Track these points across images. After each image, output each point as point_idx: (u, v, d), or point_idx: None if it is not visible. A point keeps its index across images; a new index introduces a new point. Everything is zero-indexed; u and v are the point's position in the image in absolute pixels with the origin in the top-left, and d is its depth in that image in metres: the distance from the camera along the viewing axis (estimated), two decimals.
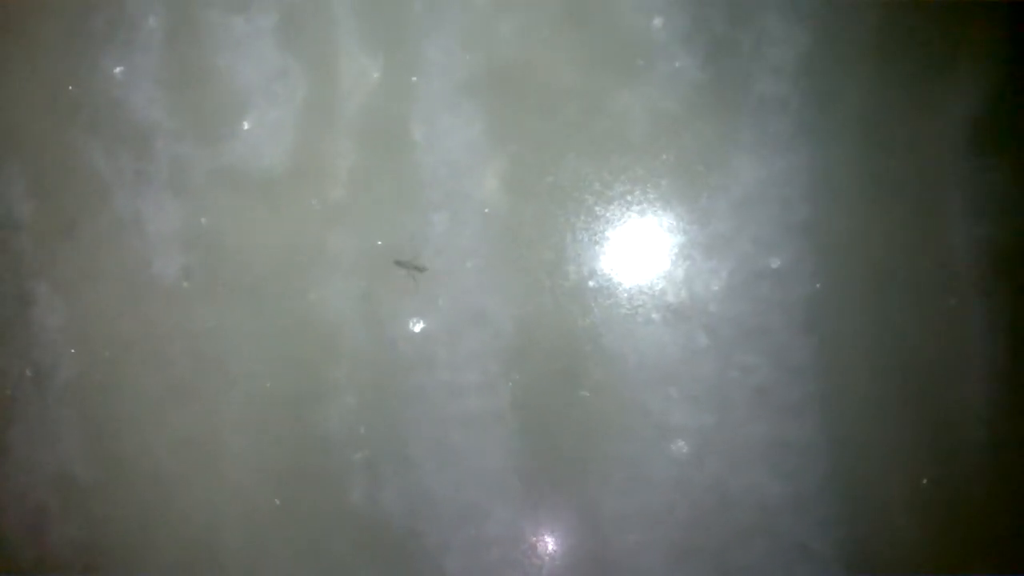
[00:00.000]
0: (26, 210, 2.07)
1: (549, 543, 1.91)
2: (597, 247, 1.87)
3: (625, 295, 1.87)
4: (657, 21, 1.85)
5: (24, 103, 2.07)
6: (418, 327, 1.93)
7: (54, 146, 2.05)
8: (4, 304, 2.08)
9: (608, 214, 1.87)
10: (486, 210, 1.90)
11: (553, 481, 1.91)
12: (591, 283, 1.87)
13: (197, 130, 2.00)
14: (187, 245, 1.99)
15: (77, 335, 2.06)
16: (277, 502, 1.97)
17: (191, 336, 2.00)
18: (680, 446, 1.83)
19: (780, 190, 1.82)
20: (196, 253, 1.99)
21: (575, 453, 1.89)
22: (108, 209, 2.03)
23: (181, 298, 1.99)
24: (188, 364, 2.00)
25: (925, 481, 1.83)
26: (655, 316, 1.86)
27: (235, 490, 1.99)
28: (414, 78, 1.92)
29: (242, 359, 1.98)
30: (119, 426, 2.05)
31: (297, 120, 1.96)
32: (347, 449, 1.95)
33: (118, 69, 2.03)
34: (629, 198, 1.86)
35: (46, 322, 2.07)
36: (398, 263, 1.88)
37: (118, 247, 2.02)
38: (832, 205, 1.83)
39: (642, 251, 1.87)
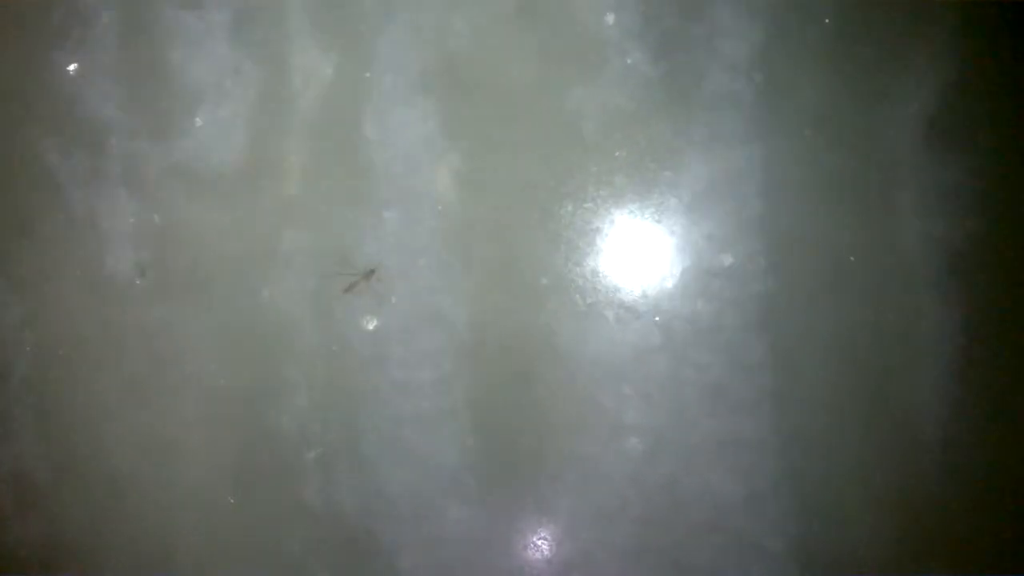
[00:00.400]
0: None
1: (503, 541, 1.90)
2: (550, 245, 1.86)
3: (578, 293, 1.86)
4: (609, 17, 1.84)
5: None
6: (371, 325, 1.92)
7: (7, 144, 2.04)
8: None
9: (561, 212, 1.86)
10: (439, 207, 1.89)
11: (507, 479, 1.90)
12: (544, 281, 1.86)
13: (151, 127, 1.99)
14: (140, 242, 1.98)
15: (33, 333, 2.04)
16: (231, 500, 1.96)
17: (145, 333, 1.99)
18: (634, 444, 1.83)
19: (733, 187, 1.81)
20: (149, 250, 1.98)
21: (529, 451, 1.88)
22: (62, 207, 2.01)
23: (135, 295, 1.98)
24: (142, 361, 1.99)
25: (879, 479, 1.82)
26: (608, 314, 1.85)
27: (189, 488, 1.98)
28: (367, 74, 1.91)
29: (196, 356, 1.97)
30: (74, 424, 2.04)
31: (250, 117, 1.95)
32: (301, 447, 1.94)
33: (72, 66, 2.01)
34: (582, 195, 1.85)
35: (1, 320, 2.05)
36: (349, 289, 1.86)
37: (72, 245, 2.01)
38: (786, 202, 1.82)
39: (595, 249, 1.86)
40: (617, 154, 1.84)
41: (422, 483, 1.92)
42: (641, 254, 1.83)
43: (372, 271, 1.87)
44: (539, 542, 1.89)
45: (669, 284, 1.82)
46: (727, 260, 1.81)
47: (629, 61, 1.83)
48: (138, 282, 1.98)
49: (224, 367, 1.97)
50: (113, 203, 1.99)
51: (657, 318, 1.82)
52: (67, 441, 2.05)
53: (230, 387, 1.96)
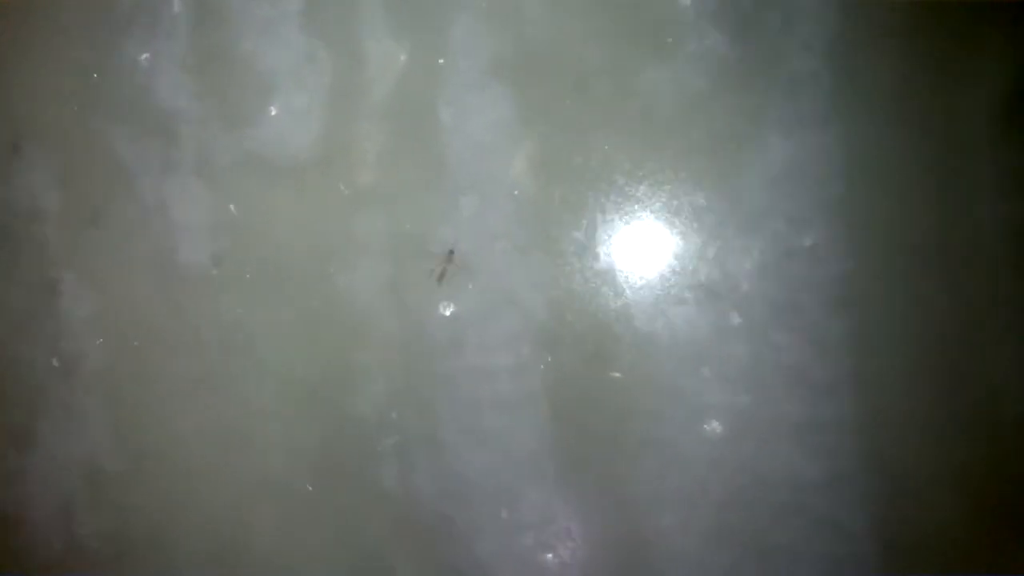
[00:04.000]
0: (51, 200, 2.06)
1: (582, 526, 1.90)
2: (628, 228, 1.86)
3: (657, 275, 1.86)
4: None
5: (47, 92, 2.06)
6: (448, 311, 1.92)
7: (78, 135, 2.05)
8: (30, 295, 2.08)
9: (638, 194, 1.86)
10: (515, 192, 1.89)
11: (586, 463, 1.90)
12: (622, 264, 1.86)
13: (223, 116, 1.99)
14: (215, 232, 1.98)
15: (104, 325, 2.05)
16: (309, 488, 1.97)
17: (220, 324, 1.99)
18: (714, 426, 1.83)
19: (812, 168, 1.81)
20: (224, 240, 1.98)
21: (608, 435, 1.88)
22: (134, 197, 2.02)
23: (210, 286, 1.99)
24: (217, 352, 2.00)
25: (959, 458, 1.81)
26: (687, 296, 1.85)
27: (266, 478, 1.99)
28: (441, 60, 1.91)
29: (271, 346, 1.98)
30: (148, 416, 2.04)
31: (324, 105, 1.95)
32: (378, 434, 1.94)
33: (143, 56, 2.02)
34: (659, 177, 1.85)
35: (73, 312, 2.07)
36: (440, 279, 1.87)
37: (145, 235, 2.02)
38: (864, 182, 1.82)
39: (673, 231, 1.86)
40: (694, 135, 1.84)
41: (500, 468, 1.92)
42: (719, 235, 1.83)
43: (451, 251, 1.88)
44: (618, 526, 1.89)
45: (748, 265, 1.82)
46: (807, 241, 1.80)
47: (706, 42, 1.83)
48: (213, 272, 1.99)
49: (300, 356, 1.97)
50: (186, 193, 2.00)
51: (736, 299, 1.82)
52: (140, 433, 2.05)
53: (307, 376, 1.97)
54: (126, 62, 2.03)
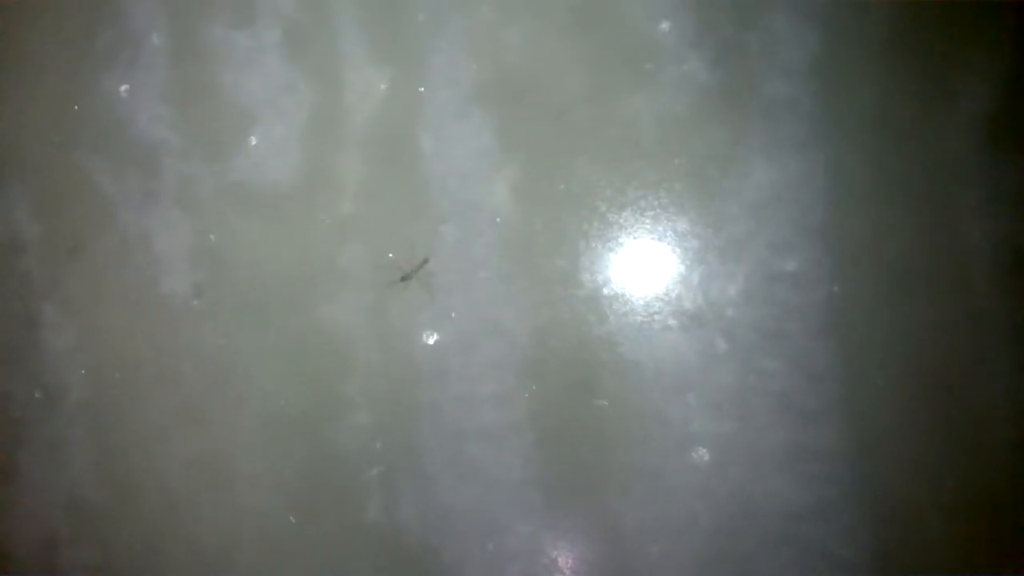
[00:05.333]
0: (31, 231, 2.05)
1: (570, 556, 1.88)
2: (611, 254, 1.85)
3: (641, 302, 1.84)
4: (664, 25, 1.83)
5: (27, 124, 2.06)
6: (431, 340, 1.90)
7: (58, 166, 2.04)
8: (12, 327, 2.06)
9: (621, 220, 1.85)
10: (497, 219, 1.88)
11: (573, 493, 1.88)
12: (606, 291, 1.85)
13: (204, 147, 1.98)
14: (196, 263, 1.97)
15: (86, 356, 2.04)
16: (292, 520, 1.94)
17: (202, 355, 1.97)
18: (701, 454, 1.81)
19: (794, 192, 1.80)
20: (205, 271, 1.97)
21: (594, 464, 1.86)
22: (115, 229, 2.01)
23: (191, 316, 1.97)
24: (199, 383, 1.98)
25: (950, 484, 1.79)
26: (672, 323, 1.83)
27: (249, 510, 1.96)
28: (421, 88, 1.90)
29: (253, 377, 1.96)
30: (130, 447, 2.02)
31: (304, 134, 1.95)
32: (362, 465, 1.92)
33: (123, 88, 2.01)
34: (642, 203, 1.84)
35: (54, 344, 2.05)
36: (404, 278, 1.86)
37: (126, 267, 2.01)
38: (847, 206, 1.81)
39: (657, 257, 1.84)
40: (676, 162, 1.83)
41: (486, 499, 1.89)
42: (703, 261, 1.82)
43: (425, 260, 1.86)
44: (606, 557, 1.86)
45: (732, 291, 1.80)
46: (790, 266, 1.79)
47: (685, 68, 1.82)
48: (194, 303, 1.97)
49: (282, 386, 1.95)
50: (167, 224, 1.99)
51: (721, 326, 1.80)
52: (123, 465, 2.03)
53: (289, 406, 1.95)
54: (106, 94, 2.02)
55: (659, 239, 1.84)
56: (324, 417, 1.93)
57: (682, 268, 1.83)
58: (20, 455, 2.04)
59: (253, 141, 1.94)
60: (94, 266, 2.00)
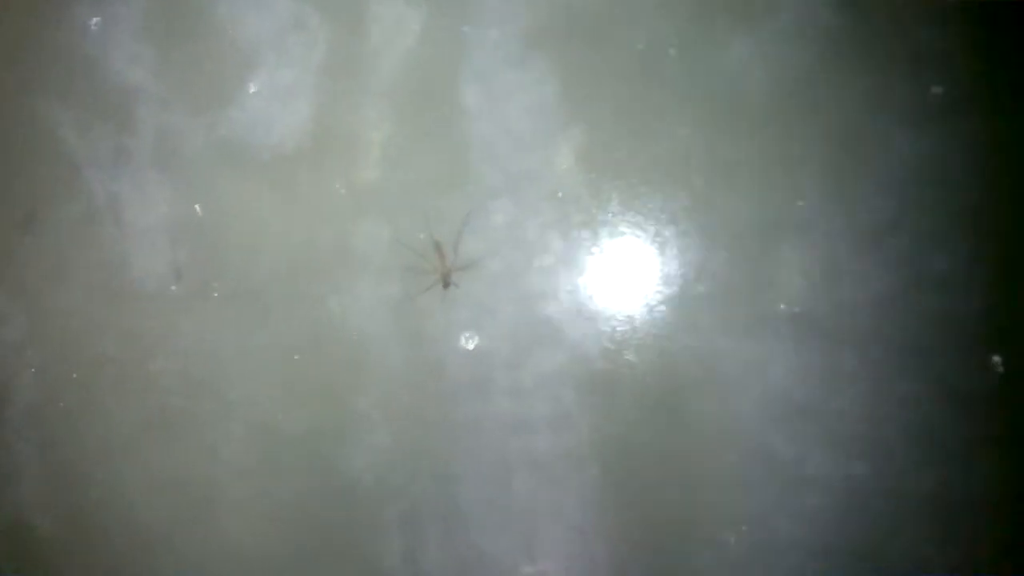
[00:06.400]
0: None
1: None
2: (708, 240, 1.45)
3: (745, 303, 1.44)
4: None
5: None
6: (471, 344, 1.50)
7: (11, 117, 1.64)
8: None
9: (720, 198, 1.44)
10: (559, 194, 1.47)
11: (646, 544, 1.47)
12: (700, 287, 1.45)
13: (191, 96, 1.60)
14: (176, 239, 1.57)
15: (37, 352, 1.64)
16: (288, 563, 1.54)
17: (181, 353, 1.58)
18: (820, 502, 1.40)
19: (947, 169, 1.39)
20: (188, 249, 1.57)
21: (675, 507, 1.45)
22: (77, 195, 1.62)
23: (168, 305, 1.58)
24: (177, 388, 1.59)
25: None
26: (785, 331, 1.43)
27: (235, 548, 1.56)
28: (465, 28, 1.50)
29: (245, 383, 1.56)
30: (89, 465, 1.64)
31: (316, 82, 1.55)
32: (379, 500, 1.53)
33: (93, 20, 1.61)
34: (747, 178, 1.44)
35: None
36: (445, 283, 1.46)
37: (90, 242, 1.61)
38: (1014, 187, 1.39)
39: (767, 245, 1.44)
40: (793, 126, 1.43)
41: (533, 547, 1.49)
42: (829, 253, 1.41)
43: (454, 245, 1.47)
44: None
45: (865, 293, 1.40)
46: (939, 263, 1.38)
47: (807, 10, 1.41)
48: (173, 288, 1.58)
49: (281, 396, 1.56)
50: (143, 189, 1.60)
51: (850, 337, 1.39)
52: (80, 486, 1.63)
53: (288, 421, 1.56)
54: (73, 27, 1.62)
55: (770, 223, 1.43)
56: (331, 435, 1.54)
57: (800, 261, 1.42)
58: None
59: (252, 89, 1.55)
60: (50, 240, 1.61)
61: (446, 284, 1.48)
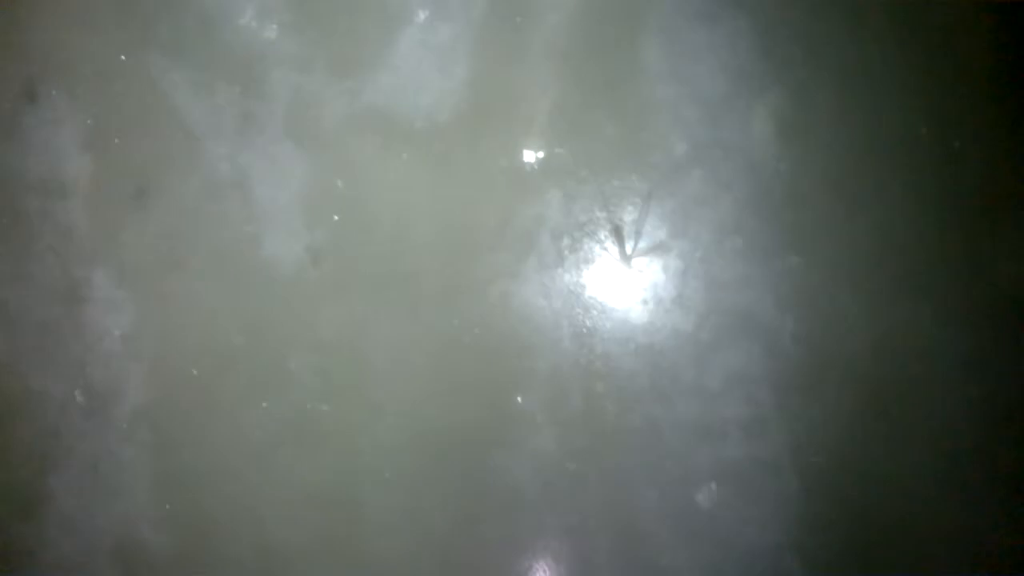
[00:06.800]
0: (78, 167, 1.47)
1: None
2: (929, 218, 1.27)
3: (964, 289, 1.26)
4: None
5: (79, 15, 1.46)
6: (651, 337, 1.32)
7: (121, 75, 1.46)
8: (47, 301, 1.47)
9: (942, 171, 1.26)
10: (756, 165, 1.29)
11: (855, 566, 1.29)
12: (913, 272, 1.27)
13: (330, 55, 1.41)
14: (315, 218, 1.39)
15: (150, 345, 1.45)
16: None
17: (319, 347, 1.40)
18: None
19: None
20: (327, 230, 1.39)
21: (892, 527, 1.27)
22: (198, 166, 1.43)
23: (305, 293, 1.40)
24: (315, 388, 1.40)
25: None
26: (1008, 322, 1.25)
27: (381, 567, 1.37)
28: None
29: (394, 382, 1.38)
30: (212, 475, 1.45)
31: (476, 39, 1.37)
32: (544, 512, 1.35)
33: None
34: (968, 140, 1.26)
35: (105, 326, 1.47)
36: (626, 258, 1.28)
37: (212, 221, 1.42)
38: None
39: (988, 225, 1.27)
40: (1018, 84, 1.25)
41: (724, 570, 1.31)
42: None
43: (645, 204, 1.29)
44: None
45: None
46: None
47: None
48: (310, 273, 1.38)
49: (435, 396, 1.38)
50: (274, 162, 1.41)
51: None
52: (201, 499, 1.45)
53: (443, 425, 1.37)
54: None
55: (994, 202, 1.26)
56: (491, 440, 1.36)
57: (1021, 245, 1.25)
58: (52, 481, 1.45)
59: (401, 50, 1.36)
60: (166, 218, 1.42)
61: (626, 272, 1.30)
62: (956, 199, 1.29)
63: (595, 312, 1.35)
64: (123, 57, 1.44)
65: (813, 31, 1.31)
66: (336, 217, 1.39)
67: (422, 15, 1.39)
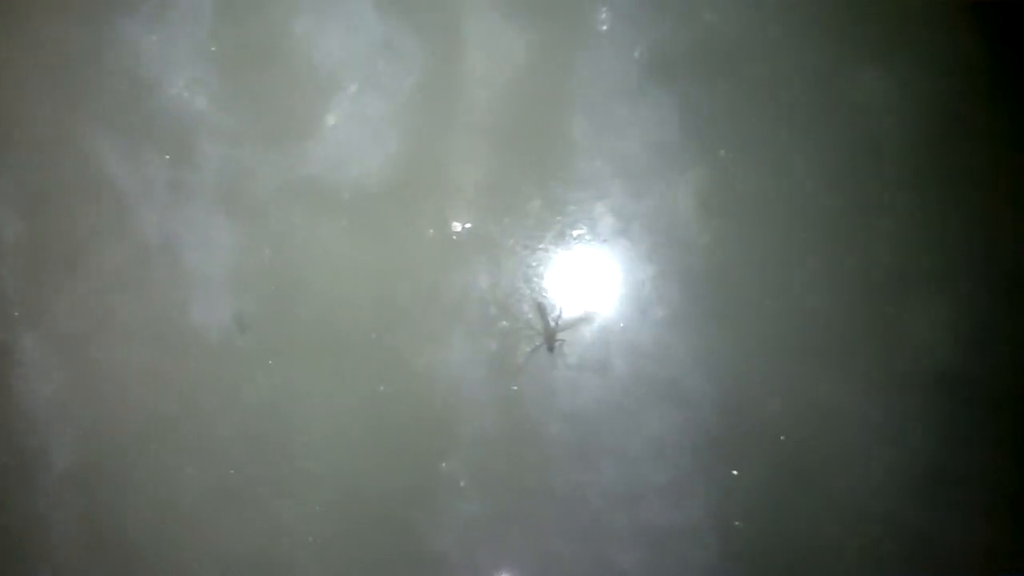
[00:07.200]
0: (12, 233, 1.46)
1: None
2: (841, 292, 1.31)
3: (882, 359, 1.32)
4: None
5: (16, 86, 1.47)
6: (575, 404, 1.35)
7: (56, 145, 1.46)
8: None
9: (855, 246, 1.31)
10: (681, 237, 1.33)
11: None
12: (834, 342, 1.31)
13: (261, 126, 1.43)
14: (243, 285, 1.40)
15: (80, 410, 1.45)
16: None
17: (247, 414, 1.40)
18: None
19: None
20: (256, 297, 1.40)
21: None
22: (129, 234, 1.43)
23: (233, 360, 1.40)
24: (242, 453, 1.41)
25: None
26: (925, 392, 1.29)
27: None
28: (579, 54, 1.36)
29: (321, 448, 1.39)
30: (140, 540, 1.45)
31: (406, 112, 1.39)
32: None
33: (150, 38, 1.44)
34: (882, 223, 1.31)
35: (35, 391, 1.45)
36: (549, 345, 1.31)
37: (142, 287, 1.43)
38: None
39: (906, 298, 1.31)
40: (924, 161, 1.30)
41: None
42: (978, 301, 1.28)
43: (556, 315, 1.32)
44: None
45: (1018, 352, 1.27)
46: None
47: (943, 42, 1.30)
48: (238, 341, 1.39)
49: (362, 462, 1.39)
50: (203, 230, 1.42)
51: None
52: (129, 565, 1.44)
53: (368, 489, 1.38)
54: (126, 46, 1.45)
55: (908, 273, 1.31)
56: (418, 508, 1.37)
57: (943, 317, 1.29)
58: None
59: (332, 121, 1.38)
60: (97, 284, 1.42)
61: (551, 347, 1.32)
62: (873, 272, 1.34)
63: (520, 379, 1.37)
64: (55, 124, 1.45)
65: (736, 109, 1.35)
66: (264, 286, 1.40)
67: (353, 87, 1.41)
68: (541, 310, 1.33)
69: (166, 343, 1.43)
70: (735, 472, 1.34)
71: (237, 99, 1.43)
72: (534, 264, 1.38)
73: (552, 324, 1.33)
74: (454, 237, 1.38)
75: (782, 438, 1.33)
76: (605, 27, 1.36)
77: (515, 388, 1.37)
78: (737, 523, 1.33)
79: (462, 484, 1.39)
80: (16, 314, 1.47)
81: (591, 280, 1.37)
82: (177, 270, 1.43)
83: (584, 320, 1.35)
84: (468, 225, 1.38)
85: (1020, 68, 1.33)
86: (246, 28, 1.43)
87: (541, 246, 1.38)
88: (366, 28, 1.41)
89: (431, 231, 1.39)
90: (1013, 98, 1.33)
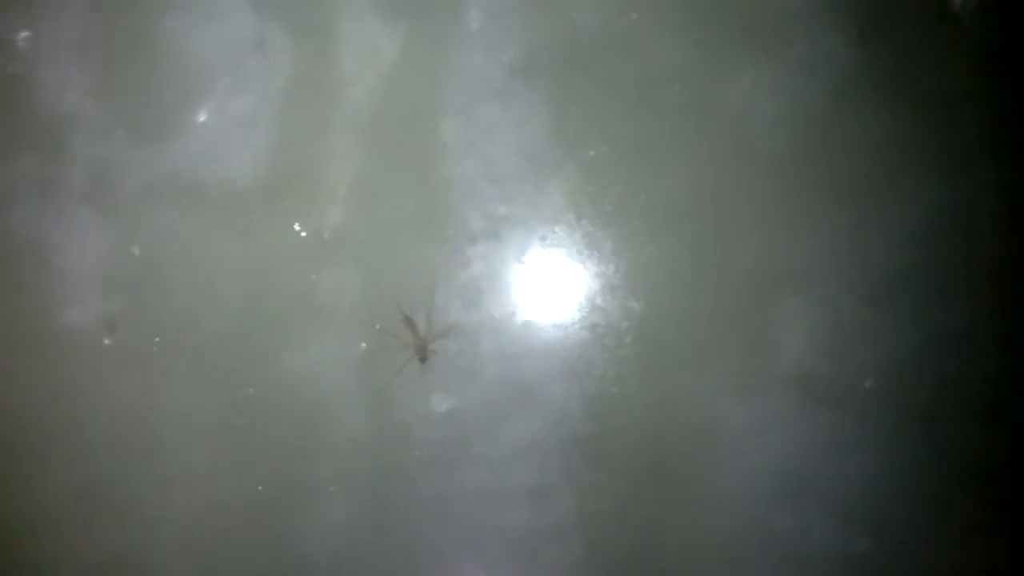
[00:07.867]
0: None
1: None
2: (702, 293, 1.32)
3: (745, 362, 1.31)
4: None
5: None
6: (443, 407, 1.35)
7: None
8: None
9: (721, 247, 1.32)
10: (546, 240, 1.33)
11: None
12: (696, 345, 1.31)
13: (131, 123, 1.40)
14: (111, 286, 1.38)
15: None
16: None
17: (114, 417, 1.38)
18: None
19: (967, 220, 1.29)
20: (124, 298, 1.38)
21: None
22: None
23: (100, 361, 1.38)
24: (108, 457, 1.39)
25: None
26: (786, 395, 1.30)
27: None
28: (448, 54, 1.36)
29: (188, 450, 1.37)
30: (6, 542, 1.40)
31: (277, 111, 1.38)
32: None
33: (21, 35, 1.42)
34: (753, 225, 1.32)
35: None
36: (422, 357, 1.30)
37: (8, 287, 1.40)
38: None
39: (769, 301, 1.31)
40: (805, 169, 1.32)
41: None
42: (838, 308, 1.30)
43: (426, 319, 1.32)
44: None
45: (878, 355, 1.28)
46: (954, 321, 1.28)
47: (824, 41, 1.31)
48: (106, 342, 1.38)
49: (228, 465, 1.37)
50: (71, 229, 1.40)
51: (858, 402, 1.27)
52: None
53: (235, 495, 1.37)
54: None
55: (774, 277, 1.32)
56: (285, 512, 1.36)
57: (805, 321, 1.30)
58: None
59: (202, 117, 1.37)
60: None
61: (423, 358, 1.32)
62: (735, 275, 1.34)
63: (390, 382, 1.36)
64: None
65: (606, 110, 1.35)
66: (133, 285, 1.38)
67: (224, 84, 1.39)
68: (411, 324, 1.32)
69: (31, 344, 1.41)
70: (600, 474, 1.33)
71: (107, 95, 1.41)
72: (405, 266, 1.37)
73: (423, 335, 1.32)
74: (325, 236, 1.37)
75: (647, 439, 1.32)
76: (475, 25, 1.35)
77: (384, 391, 1.35)
78: (596, 524, 1.33)
79: (330, 489, 1.37)
80: None
81: (461, 282, 1.36)
82: (44, 269, 1.41)
83: (454, 326, 1.34)
84: (340, 225, 1.37)
85: (892, 71, 1.34)
86: (116, 23, 1.41)
87: (412, 248, 1.37)
88: (237, 25, 1.39)
89: (301, 231, 1.38)
90: (883, 101, 1.34)
